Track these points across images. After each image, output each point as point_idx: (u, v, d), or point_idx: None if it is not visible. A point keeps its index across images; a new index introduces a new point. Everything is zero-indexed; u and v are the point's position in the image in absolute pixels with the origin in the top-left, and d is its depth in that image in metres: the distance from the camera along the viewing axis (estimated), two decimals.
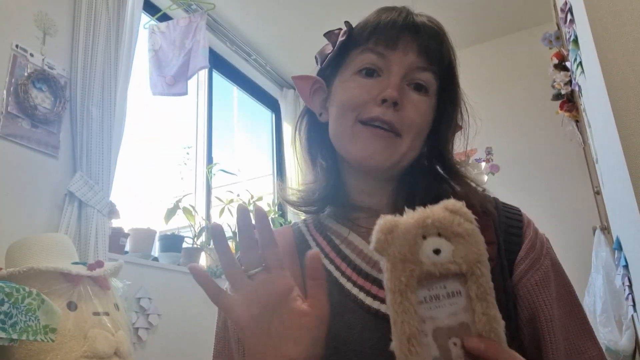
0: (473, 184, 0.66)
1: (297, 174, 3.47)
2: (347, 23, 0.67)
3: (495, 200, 0.67)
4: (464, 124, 0.69)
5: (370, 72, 0.64)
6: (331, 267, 0.63)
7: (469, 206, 0.63)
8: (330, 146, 0.68)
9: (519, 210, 0.68)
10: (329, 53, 0.67)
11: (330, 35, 0.69)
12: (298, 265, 0.64)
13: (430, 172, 0.67)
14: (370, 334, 0.56)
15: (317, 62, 0.71)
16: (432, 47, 0.64)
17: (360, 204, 0.67)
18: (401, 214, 0.45)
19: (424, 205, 0.61)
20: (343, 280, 0.61)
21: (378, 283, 0.60)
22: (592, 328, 0.63)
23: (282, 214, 3.20)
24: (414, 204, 0.61)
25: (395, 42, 0.63)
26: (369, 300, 0.59)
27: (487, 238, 0.60)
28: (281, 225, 2.99)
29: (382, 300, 0.58)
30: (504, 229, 0.64)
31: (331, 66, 0.69)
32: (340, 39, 0.65)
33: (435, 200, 0.60)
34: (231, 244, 2.89)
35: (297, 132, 0.74)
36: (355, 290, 0.60)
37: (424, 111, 0.63)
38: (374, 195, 0.67)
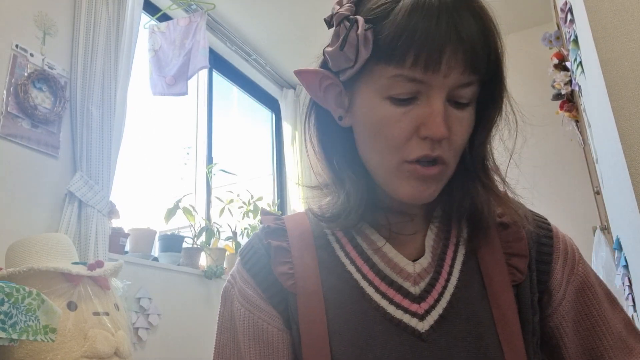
0: (506, 192, 0.62)
1: (299, 173, 3.47)
2: (367, 24, 0.52)
3: (523, 207, 0.63)
4: (509, 122, 0.62)
5: (404, 99, 0.53)
6: (351, 268, 0.59)
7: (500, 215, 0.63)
8: (355, 153, 0.60)
9: (547, 220, 0.65)
10: (348, 68, 0.55)
11: (340, 29, 0.54)
12: (316, 258, 0.60)
13: (467, 169, 0.61)
14: (393, 346, 0.54)
15: (326, 59, 0.58)
16: (479, 56, 0.52)
17: (393, 207, 0.61)
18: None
19: (460, 207, 0.60)
20: (364, 284, 0.58)
21: (404, 291, 0.57)
22: (634, 322, 0.63)
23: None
24: (451, 207, 0.61)
25: (437, 64, 0.50)
26: (391, 309, 0.56)
27: (520, 250, 0.60)
28: None
29: (405, 310, 0.56)
30: (536, 239, 0.62)
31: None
32: (364, 55, 0.53)
33: (472, 203, 0.60)
34: (231, 244, 2.89)
35: (306, 131, 0.64)
36: (377, 297, 0.57)
37: (467, 127, 0.56)
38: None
